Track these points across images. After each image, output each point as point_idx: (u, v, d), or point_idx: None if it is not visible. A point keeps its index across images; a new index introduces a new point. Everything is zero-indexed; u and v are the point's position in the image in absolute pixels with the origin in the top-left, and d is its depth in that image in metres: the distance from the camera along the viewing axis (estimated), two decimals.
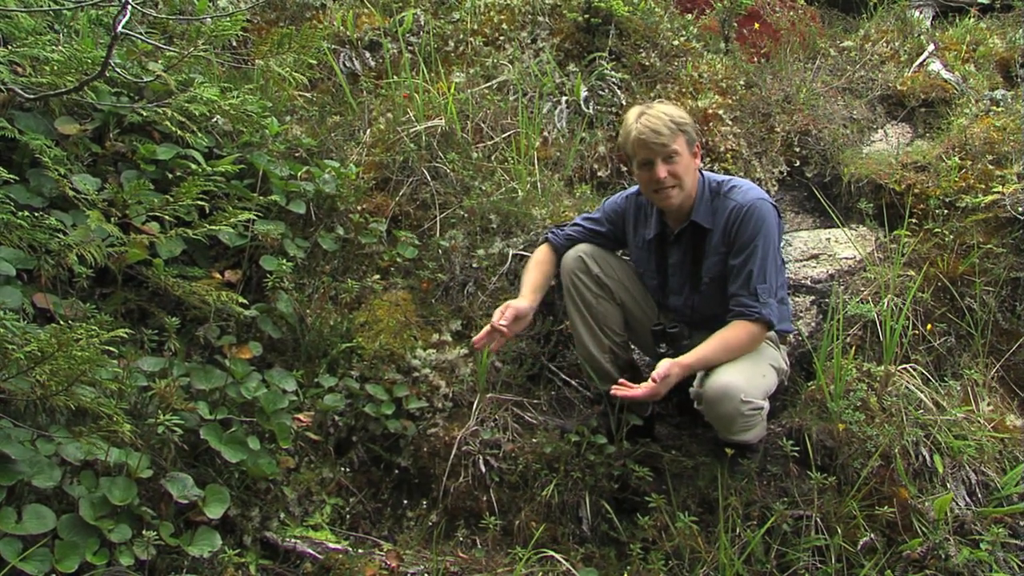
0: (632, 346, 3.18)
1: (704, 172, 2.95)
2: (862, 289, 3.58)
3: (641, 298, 3.06)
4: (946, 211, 3.74)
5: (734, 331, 2.75)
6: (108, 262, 2.79)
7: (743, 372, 2.69)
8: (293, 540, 2.70)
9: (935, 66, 4.87)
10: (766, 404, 2.75)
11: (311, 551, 2.68)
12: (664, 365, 2.65)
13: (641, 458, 3.01)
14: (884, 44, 5.15)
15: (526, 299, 2.92)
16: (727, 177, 2.96)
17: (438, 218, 3.62)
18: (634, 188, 3.09)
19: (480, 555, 2.79)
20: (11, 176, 2.64)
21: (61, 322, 2.26)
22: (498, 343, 2.90)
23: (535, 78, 4.31)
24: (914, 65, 4.97)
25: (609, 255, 3.05)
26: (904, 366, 3.19)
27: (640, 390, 2.64)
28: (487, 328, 2.82)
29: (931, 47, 5.05)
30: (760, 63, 4.88)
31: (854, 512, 2.73)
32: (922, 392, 3.09)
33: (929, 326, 3.46)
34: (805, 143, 4.37)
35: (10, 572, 2.12)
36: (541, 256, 3.10)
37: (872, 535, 2.71)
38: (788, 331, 2.99)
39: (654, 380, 2.62)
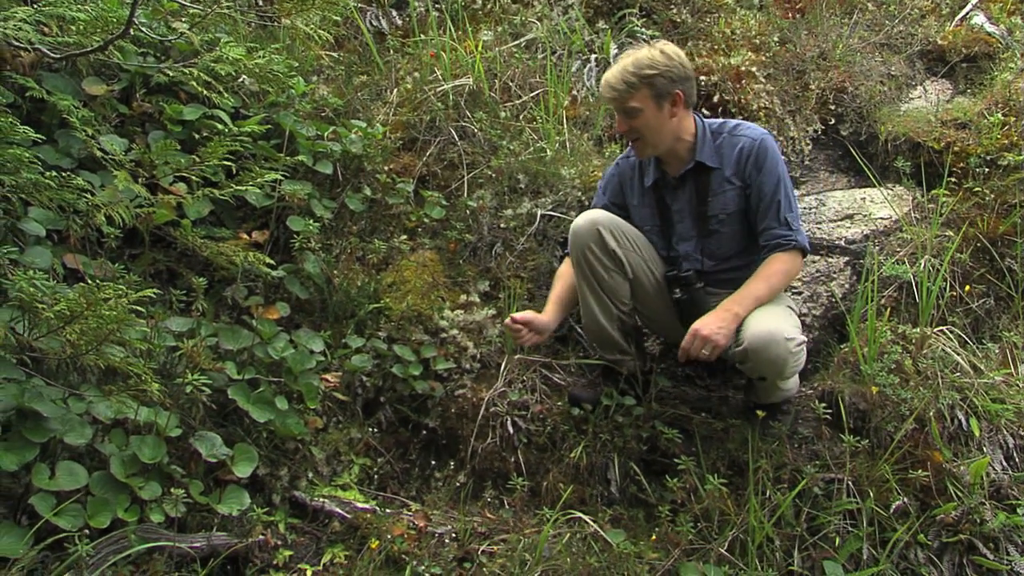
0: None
1: (700, 117, 2.89)
2: (898, 250, 3.50)
3: (653, 266, 2.97)
4: (987, 169, 3.64)
5: (774, 265, 2.73)
6: (136, 223, 2.79)
7: (775, 315, 2.66)
8: (321, 499, 2.71)
9: (978, 19, 4.71)
10: (805, 337, 2.70)
11: (339, 510, 2.70)
12: (711, 317, 2.63)
13: (670, 420, 2.98)
14: None
15: (546, 312, 2.94)
16: (723, 120, 2.92)
17: (466, 178, 3.59)
18: (624, 153, 3.08)
19: (508, 516, 2.79)
20: (40, 136, 2.63)
21: (90, 282, 2.27)
22: (526, 341, 2.91)
23: (564, 36, 4.23)
24: (956, 18, 4.80)
25: (623, 223, 2.95)
26: (941, 328, 3.12)
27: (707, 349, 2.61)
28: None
29: None
30: (795, 19, 4.75)
31: (887, 476, 2.69)
32: (959, 355, 3.03)
33: (967, 287, 3.38)
34: (841, 101, 4.25)
35: (44, 526, 2.15)
36: (564, 268, 3.06)
37: (905, 499, 2.67)
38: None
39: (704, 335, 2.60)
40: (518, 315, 2.85)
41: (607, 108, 3.99)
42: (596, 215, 2.89)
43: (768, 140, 2.81)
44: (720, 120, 2.92)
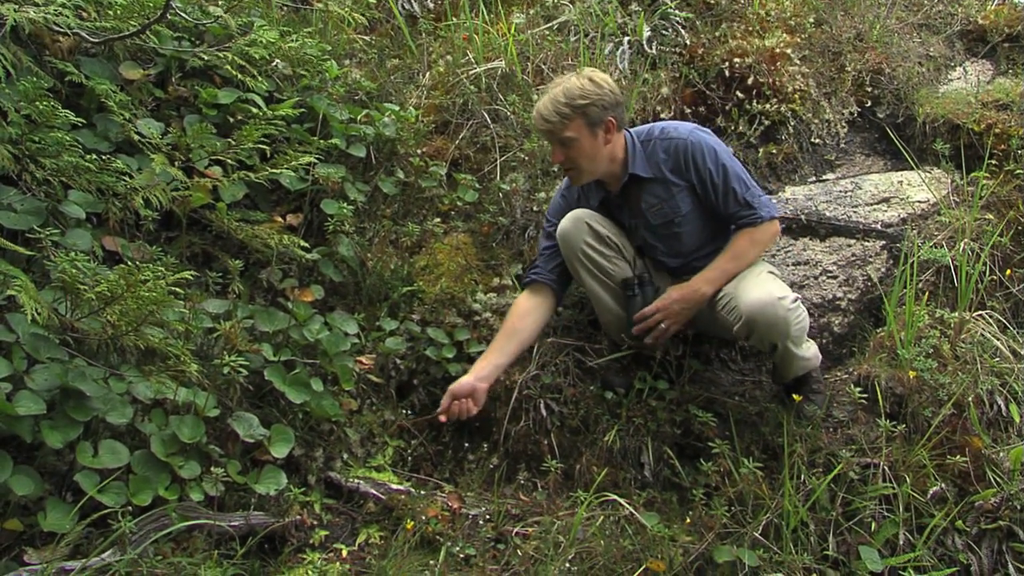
0: None
1: (629, 131, 2.88)
2: (936, 233, 3.46)
3: (636, 255, 2.99)
4: None
5: (741, 241, 2.79)
6: (173, 206, 2.82)
7: (761, 281, 2.70)
8: (356, 480, 2.74)
9: None
10: (796, 295, 2.71)
11: (374, 491, 2.72)
12: (677, 292, 2.76)
13: (704, 404, 2.97)
14: None
15: (473, 369, 2.77)
16: (649, 126, 2.91)
17: (498, 161, 3.58)
18: (564, 184, 3.06)
19: (541, 498, 2.80)
20: (79, 120, 2.67)
21: (129, 264, 2.30)
22: (462, 412, 2.73)
23: (597, 18, 4.20)
24: None
25: (606, 216, 2.95)
26: (980, 313, 3.08)
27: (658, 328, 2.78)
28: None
29: None
30: None
31: (924, 461, 2.67)
32: (999, 340, 2.99)
33: (1008, 271, 3.33)
34: (877, 82, 4.19)
35: (88, 503, 2.19)
36: (513, 309, 2.92)
37: (943, 485, 2.65)
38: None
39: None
40: (440, 407, 2.74)
41: (639, 90, 3.97)
42: (578, 213, 2.89)
43: (697, 135, 2.81)
44: (647, 127, 2.91)
